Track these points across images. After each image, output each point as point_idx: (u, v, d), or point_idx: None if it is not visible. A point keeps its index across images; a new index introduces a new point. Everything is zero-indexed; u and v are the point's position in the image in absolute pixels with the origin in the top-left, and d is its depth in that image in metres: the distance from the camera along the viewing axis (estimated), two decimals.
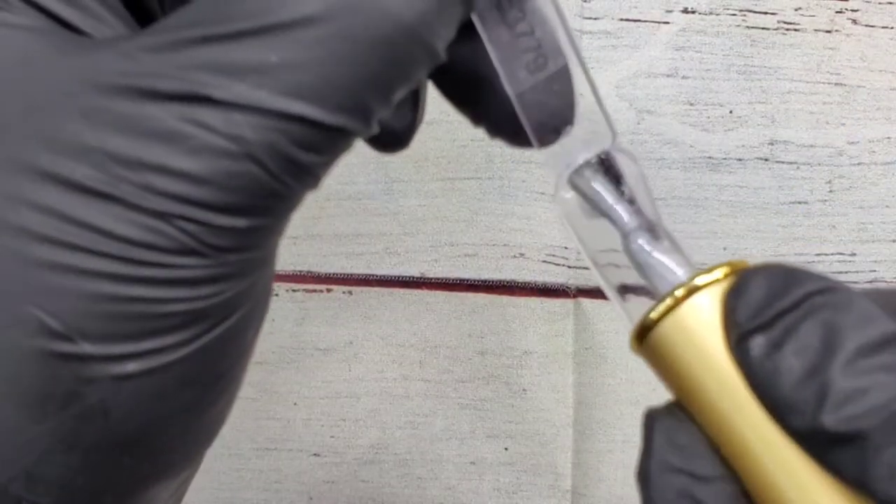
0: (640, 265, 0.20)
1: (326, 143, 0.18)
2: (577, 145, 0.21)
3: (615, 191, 0.21)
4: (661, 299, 0.18)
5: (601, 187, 0.21)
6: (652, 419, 0.18)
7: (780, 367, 0.17)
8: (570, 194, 0.21)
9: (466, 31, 0.19)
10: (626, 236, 0.20)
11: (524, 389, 0.42)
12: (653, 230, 0.20)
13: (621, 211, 0.20)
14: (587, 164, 0.21)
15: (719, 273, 0.18)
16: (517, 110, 0.21)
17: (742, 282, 0.18)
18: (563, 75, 0.21)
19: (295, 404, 0.43)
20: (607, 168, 0.21)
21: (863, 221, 0.40)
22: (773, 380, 0.17)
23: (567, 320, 0.41)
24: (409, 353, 0.43)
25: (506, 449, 0.43)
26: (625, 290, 0.21)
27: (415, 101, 0.22)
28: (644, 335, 0.19)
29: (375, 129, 0.19)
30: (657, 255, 0.20)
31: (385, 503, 0.44)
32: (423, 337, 0.42)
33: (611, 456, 0.42)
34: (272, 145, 0.17)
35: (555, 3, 0.21)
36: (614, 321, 0.41)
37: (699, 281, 0.18)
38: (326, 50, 0.17)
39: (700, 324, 0.18)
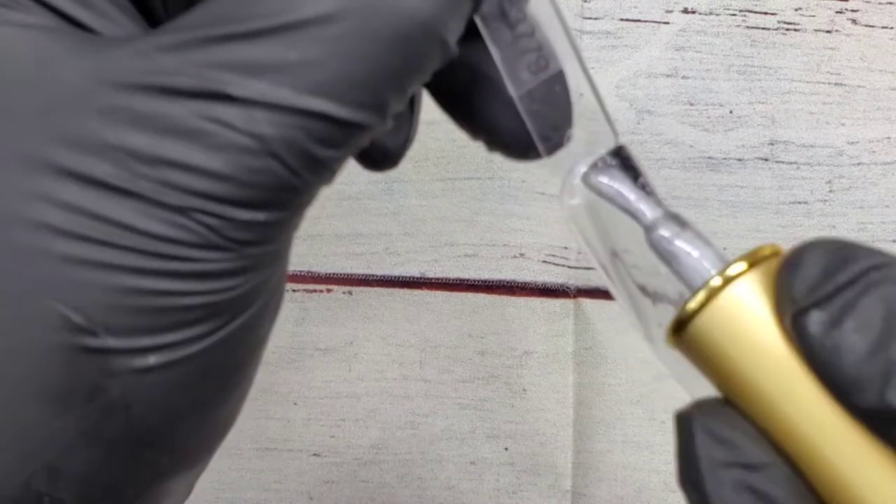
0: (667, 256, 0.19)
1: (344, 138, 0.18)
2: (580, 148, 0.21)
3: (634, 185, 0.20)
4: (697, 290, 0.18)
5: (619, 183, 0.20)
6: (688, 420, 0.18)
7: (841, 344, 0.16)
8: (576, 200, 0.21)
9: (467, 34, 0.20)
10: (649, 229, 0.20)
11: (524, 389, 0.42)
12: (677, 219, 0.20)
13: (642, 204, 0.20)
14: (601, 160, 0.20)
15: (754, 258, 0.18)
16: (521, 111, 0.21)
17: (797, 257, 0.17)
18: (564, 76, 0.21)
19: (295, 404, 0.43)
20: (623, 162, 0.21)
21: (863, 221, 0.40)
22: (834, 357, 0.16)
23: (567, 320, 0.41)
24: (409, 353, 0.43)
25: (506, 449, 0.43)
26: (640, 292, 0.20)
27: (409, 120, 0.22)
28: (681, 328, 0.18)
29: (390, 124, 0.19)
30: (684, 244, 0.19)
31: (385, 503, 0.44)
32: (423, 337, 0.42)
33: (611, 456, 0.42)
34: (292, 142, 0.17)
35: (554, 4, 0.21)
36: (615, 321, 0.41)
37: (736, 268, 0.18)
38: (345, 47, 0.17)
39: (743, 309, 0.18)
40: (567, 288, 0.41)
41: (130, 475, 0.19)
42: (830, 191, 0.40)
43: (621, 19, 0.39)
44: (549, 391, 0.42)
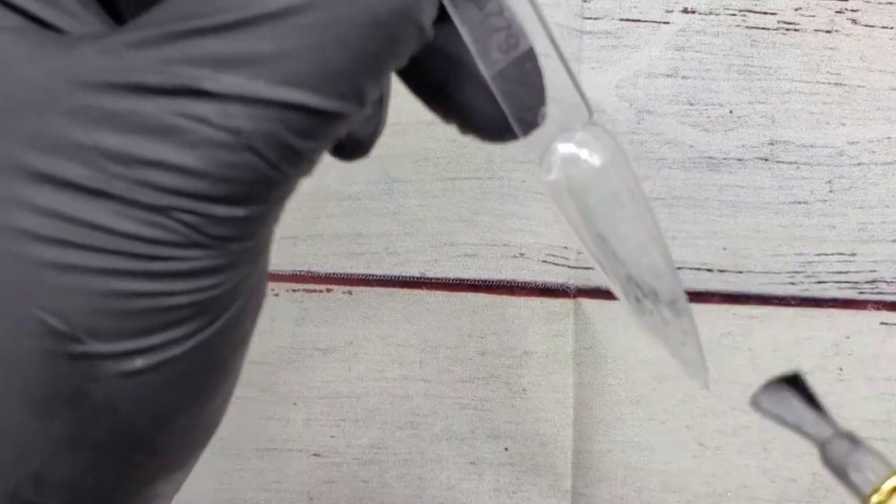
0: (840, 470, 0.21)
1: (323, 128, 0.18)
2: (555, 125, 0.21)
3: (810, 409, 0.22)
4: (866, 499, 0.20)
5: (798, 408, 0.22)
6: None
7: None
8: (552, 176, 0.21)
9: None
10: (825, 444, 0.21)
11: (524, 389, 0.42)
12: (849, 437, 0.22)
13: (818, 426, 0.22)
14: (779, 386, 0.22)
15: None
16: (494, 92, 0.20)
17: None
18: (534, 54, 0.21)
19: (295, 404, 0.43)
20: (800, 387, 0.22)
21: (863, 221, 0.40)
22: None
23: (567, 320, 0.41)
24: (409, 353, 0.43)
25: (506, 449, 0.43)
26: (626, 278, 0.21)
27: (380, 108, 0.22)
28: None
29: (368, 112, 0.19)
30: (860, 458, 0.21)
31: (385, 503, 0.44)
32: (423, 337, 0.42)
33: (611, 456, 0.42)
34: (270, 135, 0.17)
35: None
36: (615, 321, 0.41)
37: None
38: (322, 35, 0.17)
39: None
40: (567, 288, 0.41)
41: (119, 479, 0.19)
42: (830, 191, 0.40)
43: (621, 19, 0.39)
44: (549, 391, 0.42)
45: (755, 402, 0.22)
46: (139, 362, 0.18)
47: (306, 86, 0.17)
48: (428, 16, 0.18)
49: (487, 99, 0.21)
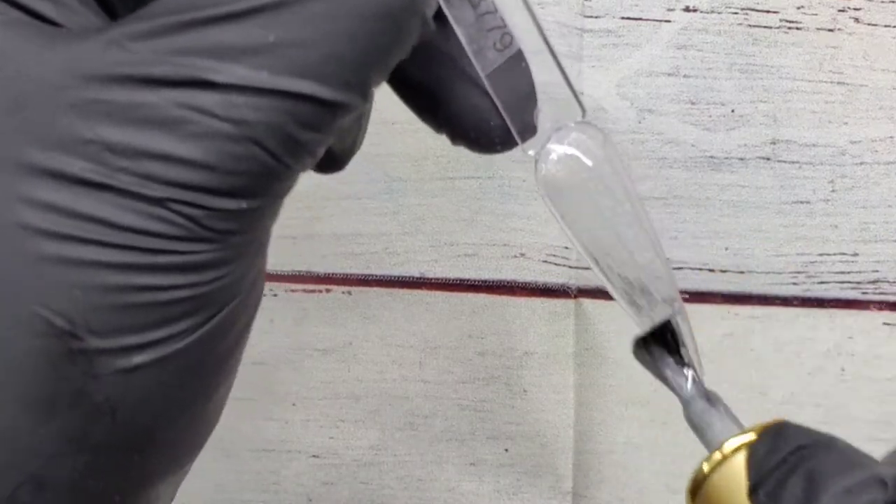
0: (698, 428, 0.22)
1: (327, 120, 0.18)
2: (548, 124, 0.21)
3: (675, 360, 0.22)
4: (711, 455, 0.21)
5: (662, 358, 0.22)
6: None
7: None
8: (546, 175, 0.21)
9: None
10: (686, 403, 0.22)
11: (525, 390, 0.42)
12: (709, 397, 0.23)
13: (682, 381, 0.22)
14: (648, 334, 0.22)
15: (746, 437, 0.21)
16: (489, 90, 0.20)
17: (754, 442, 0.20)
18: (523, 53, 0.21)
19: (293, 405, 0.43)
20: (668, 336, 0.22)
21: (865, 221, 0.40)
22: None
23: (568, 321, 0.41)
24: (409, 354, 0.42)
25: (506, 450, 0.43)
26: (619, 277, 0.22)
27: (359, 122, 0.22)
28: (697, 488, 0.21)
29: (370, 105, 0.19)
30: (713, 419, 0.22)
31: None
32: (422, 337, 0.42)
33: (612, 457, 0.42)
34: (274, 126, 0.17)
35: None
36: (616, 321, 0.41)
37: (741, 439, 0.21)
38: (328, 25, 0.17)
39: (732, 481, 0.21)
40: (568, 288, 0.41)
41: (118, 481, 0.19)
42: (833, 190, 0.40)
43: (622, 18, 0.39)
44: (549, 392, 0.42)
45: (635, 351, 0.23)
46: (139, 358, 0.18)
47: (312, 76, 0.17)
48: (431, 9, 0.18)
49: (479, 103, 0.21)
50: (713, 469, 0.21)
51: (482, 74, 0.20)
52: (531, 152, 0.21)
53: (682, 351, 0.22)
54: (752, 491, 0.20)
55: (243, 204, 0.18)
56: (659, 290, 0.22)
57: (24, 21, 0.18)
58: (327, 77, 0.17)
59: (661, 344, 0.22)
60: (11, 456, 0.17)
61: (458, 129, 0.21)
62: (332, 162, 0.22)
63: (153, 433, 0.19)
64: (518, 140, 0.21)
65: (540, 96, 0.21)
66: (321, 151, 0.19)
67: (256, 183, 0.18)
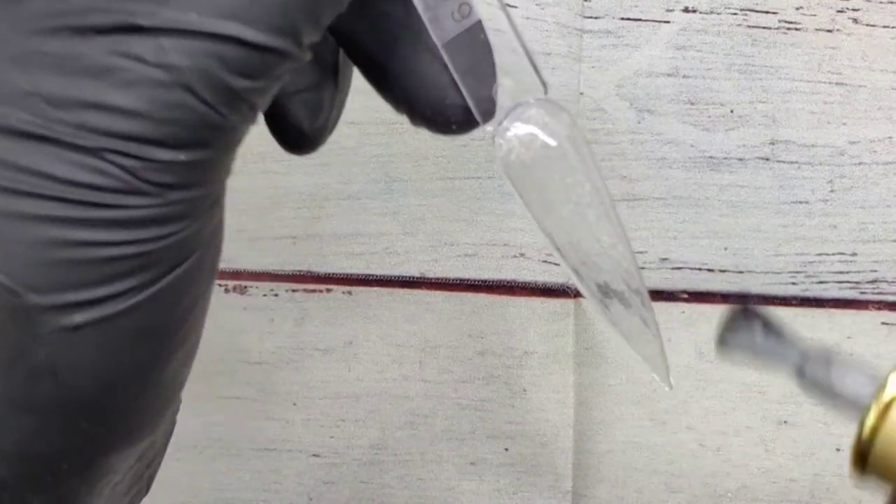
0: (826, 389, 0.20)
1: (260, 66, 0.17)
2: (507, 100, 0.20)
3: (780, 342, 0.21)
4: (865, 416, 0.18)
5: (767, 344, 0.21)
6: None
7: None
8: (505, 154, 0.20)
9: None
10: (801, 373, 0.20)
11: (524, 390, 0.42)
12: (825, 356, 0.20)
13: (789, 355, 0.20)
14: (753, 332, 0.21)
15: None
16: (446, 60, 0.20)
17: None
18: (482, 25, 0.20)
19: (294, 405, 0.43)
20: (766, 323, 0.21)
21: (864, 221, 0.40)
22: None
23: (568, 320, 0.41)
24: (409, 354, 0.42)
25: (506, 449, 0.43)
26: (573, 248, 0.20)
27: (330, 101, 0.22)
28: (864, 458, 0.18)
29: (308, 56, 0.18)
30: (840, 372, 0.20)
31: None
32: (422, 337, 0.42)
33: (611, 457, 0.42)
34: (204, 71, 0.17)
35: None
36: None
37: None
38: None
39: None
40: (567, 288, 0.41)
41: (67, 447, 0.18)
42: (832, 191, 0.40)
43: (622, 18, 0.39)
44: (549, 391, 0.42)
45: (722, 343, 0.21)
46: (81, 317, 0.17)
47: (239, 18, 0.17)
48: None
49: (435, 78, 0.20)
50: (881, 418, 0.18)
51: (438, 44, 0.20)
52: (489, 128, 0.20)
53: (785, 333, 0.20)
54: None
55: (181, 156, 0.17)
56: (625, 282, 0.21)
57: None
58: (253, 19, 0.17)
59: (740, 330, 0.21)
60: None
61: (415, 106, 0.21)
62: (302, 139, 0.22)
63: (101, 399, 0.18)
64: (477, 116, 0.20)
65: (500, 72, 0.20)
66: (262, 103, 0.18)
67: (193, 134, 0.17)
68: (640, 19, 0.39)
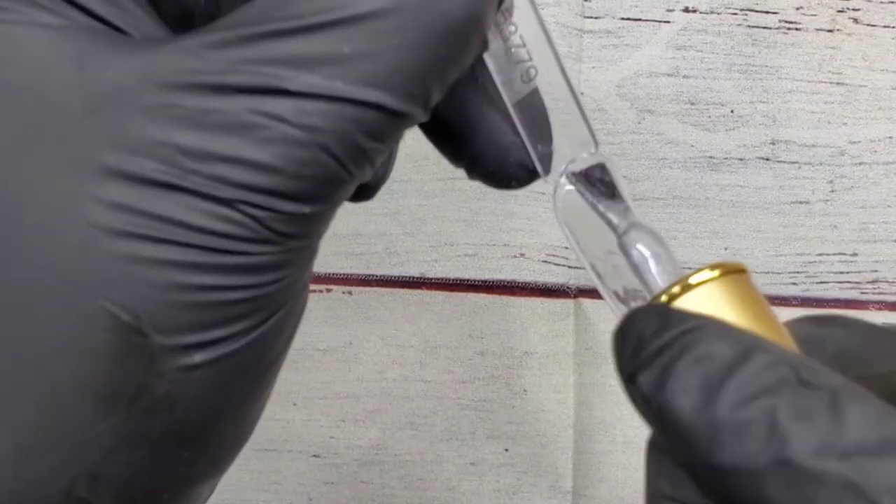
0: (634, 265, 0.20)
1: (390, 129, 0.18)
2: (565, 156, 0.22)
3: (608, 194, 0.21)
4: (656, 297, 0.19)
5: (595, 192, 0.21)
6: (649, 446, 0.18)
7: (667, 405, 0.17)
8: (561, 203, 0.22)
9: None
10: (620, 236, 0.21)
11: (525, 390, 0.42)
12: (645, 231, 0.21)
13: (614, 213, 0.21)
14: (582, 171, 0.22)
15: (711, 273, 0.18)
16: (515, 121, 0.21)
17: (624, 324, 0.18)
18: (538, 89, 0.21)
19: (294, 405, 0.43)
20: (600, 173, 0.22)
21: (864, 221, 0.40)
22: (666, 414, 0.17)
23: (568, 320, 0.41)
24: (410, 354, 0.42)
25: (506, 450, 0.43)
26: (623, 294, 0.21)
27: (394, 155, 0.23)
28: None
29: (427, 117, 0.19)
30: (648, 253, 0.20)
31: None
32: (423, 337, 0.42)
33: (611, 457, 0.42)
34: (342, 133, 0.18)
35: (538, 15, 0.21)
36: (615, 322, 0.41)
37: (693, 280, 0.18)
38: (399, 39, 0.18)
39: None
40: (567, 288, 0.41)
41: (169, 478, 0.19)
42: (832, 190, 0.40)
43: (622, 18, 0.39)
44: (549, 392, 0.42)
45: (572, 186, 0.22)
46: (198, 357, 0.18)
47: (381, 86, 0.18)
48: (489, 29, 0.19)
49: (502, 138, 0.22)
50: (675, 297, 0.18)
51: (509, 104, 0.21)
52: (549, 182, 0.22)
53: (617, 189, 0.21)
54: (628, 380, 0.17)
55: (306, 209, 0.18)
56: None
57: (94, 27, 0.18)
58: (394, 87, 0.18)
59: (595, 187, 0.22)
60: (71, 449, 0.18)
61: (478, 163, 0.22)
62: (364, 189, 0.23)
63: (205, 432, 0.19)
64: (540, 170, 0.22)
65: (556, 128, 0.22)
66: (379, 162, 0.19)
67: (320, 188, 0.18)
68: (640, 19, 0.39)
